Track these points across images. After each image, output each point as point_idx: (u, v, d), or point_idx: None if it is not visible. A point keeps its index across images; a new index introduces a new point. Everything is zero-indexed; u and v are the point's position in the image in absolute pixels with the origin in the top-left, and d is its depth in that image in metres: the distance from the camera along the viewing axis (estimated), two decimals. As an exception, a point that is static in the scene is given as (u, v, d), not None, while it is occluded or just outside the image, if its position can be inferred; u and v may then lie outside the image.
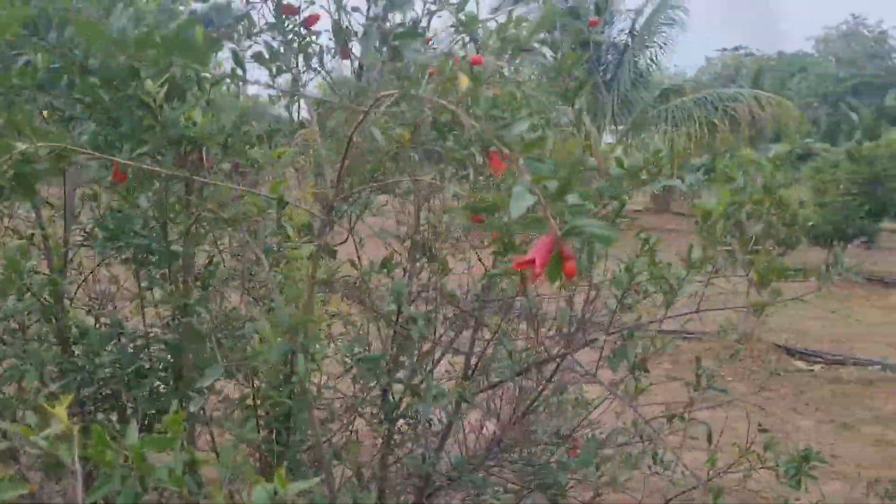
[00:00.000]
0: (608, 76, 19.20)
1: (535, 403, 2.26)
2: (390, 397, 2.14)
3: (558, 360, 2.11)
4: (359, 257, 2.37)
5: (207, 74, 1.80)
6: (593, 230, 0.94)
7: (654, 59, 20.24)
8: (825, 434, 6.33)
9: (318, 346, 1.77)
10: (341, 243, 2.41)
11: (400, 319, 2.03)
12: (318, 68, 2.34)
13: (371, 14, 2.23)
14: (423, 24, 2.21)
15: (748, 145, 16.40)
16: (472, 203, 1.59)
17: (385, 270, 2.37)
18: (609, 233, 0.94)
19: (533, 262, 0.95)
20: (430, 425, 2.38)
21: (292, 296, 1.81)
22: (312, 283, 1.70)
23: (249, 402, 1.98)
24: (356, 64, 2.45)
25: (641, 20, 19.71)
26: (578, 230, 0.95)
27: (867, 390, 7.90)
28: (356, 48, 2.37)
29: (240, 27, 2.22)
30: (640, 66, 19.74)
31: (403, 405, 2.15)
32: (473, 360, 2.32)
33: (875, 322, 10.61)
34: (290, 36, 2.21)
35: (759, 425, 2.68)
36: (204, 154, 1.84)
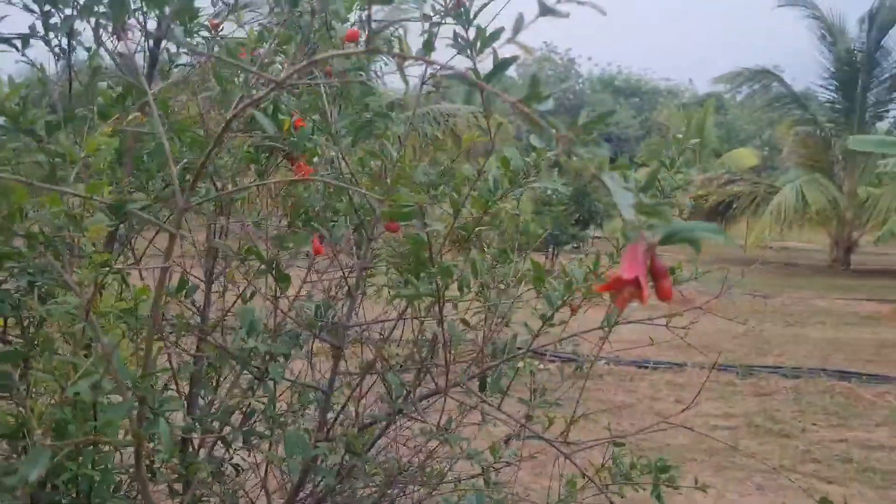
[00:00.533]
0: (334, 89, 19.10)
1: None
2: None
3: (443, 393, 1.79)
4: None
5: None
6: (704, 233, 0.67)
7: (380, 72, 20.56)
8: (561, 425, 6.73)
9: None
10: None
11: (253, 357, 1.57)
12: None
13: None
14: None
15: (467, 160, 17.25)
16: (389, 209, 1.24)
17: (182, 293, 1.90)
18: (722, 232, 0.67)
19: (627, 282, 0.66)
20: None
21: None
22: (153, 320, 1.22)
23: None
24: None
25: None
26: (683, 235, 0.67)
27: (598, 384, 8.61)
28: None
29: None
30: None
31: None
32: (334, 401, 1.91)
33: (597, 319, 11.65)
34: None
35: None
36: None
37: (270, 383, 1.65)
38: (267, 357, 1.56)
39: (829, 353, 10.51)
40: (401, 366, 1.90)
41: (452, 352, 1.66)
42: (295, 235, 1.70)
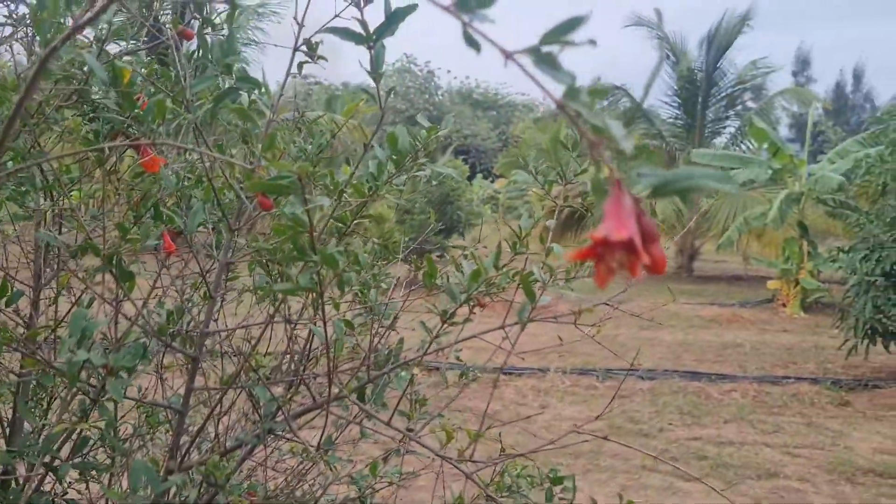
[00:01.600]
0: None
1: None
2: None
3: (324, 408, 1.52)
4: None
5: None
6: (705, 179, 0.50)
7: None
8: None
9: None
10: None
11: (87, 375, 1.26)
12: None
13: None
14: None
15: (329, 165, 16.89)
16: (258, 181, 0.99)
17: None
18: (729, 178, 0.50)
19: (617, 244, 0.48)
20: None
21: None
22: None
23: None
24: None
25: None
26: (681, 183, 0.50)
27: (464, 391, 8.57)
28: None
29: None
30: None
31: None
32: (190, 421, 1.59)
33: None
34: None
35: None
36: None
37: (110, 403, 1.36)
38: (105, 372, 1.27)
39: (679, 355, 11.00)
40: (269, 378, 1.64)
41: (335, 359, 1.43)
42: (141, 226, 1.42)
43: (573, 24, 0.54)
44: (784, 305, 15.13)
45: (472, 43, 0.58)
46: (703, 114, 22.23)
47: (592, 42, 0.53)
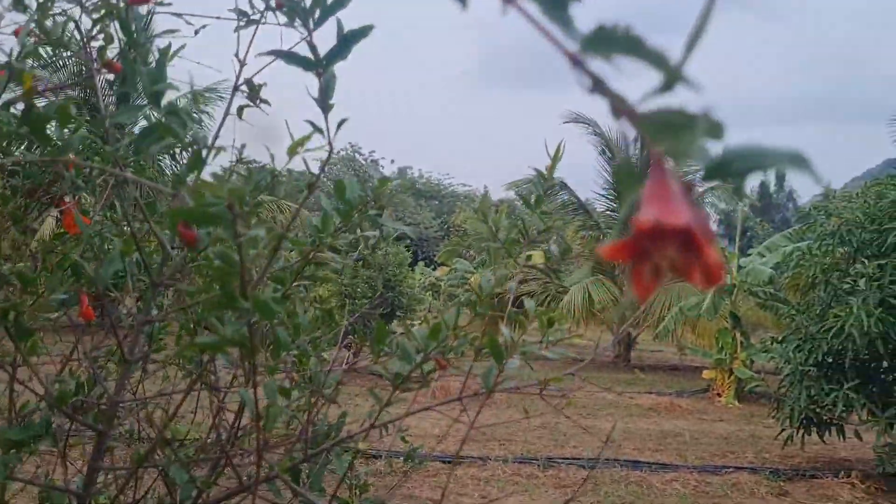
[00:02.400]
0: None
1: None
2: None
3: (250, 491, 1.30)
4: None
5: None
6: (779, 158, 0.38)
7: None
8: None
9: None
10: None
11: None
12: None
13: None
14: None
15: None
16: (176, 209, 0.83)
17: None
18: (802, 158, 0.38)
19: (670, 233, 0.34)
20: None
21: None
22: None
23: None
24: None
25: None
26: (749, 161, 0.37)
27: (403, 480, 8.22)
28: None
29: None
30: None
31: None
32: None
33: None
34: None
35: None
36: None
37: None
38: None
39: (619, 444, 10.84)
40: (190, 456, 1.43)
41: (266, 433, 1.23)
42: (49, 277, 1.23)
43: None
44: (719, 395, 15.23)
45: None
46: (763, 170, 22.85)
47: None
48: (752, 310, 16.58)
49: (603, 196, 23.76)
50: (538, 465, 9.14)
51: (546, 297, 20.69)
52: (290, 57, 1.01)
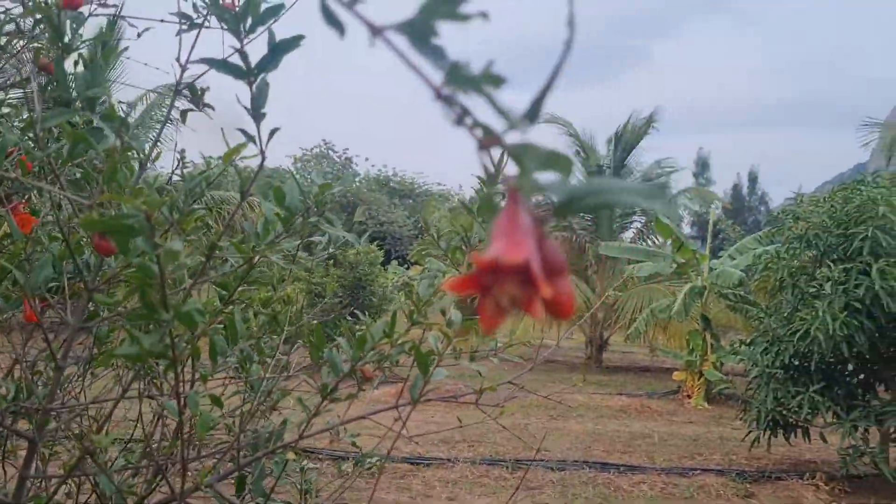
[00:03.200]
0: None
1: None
2: None
3: None
4: None
5: None
6: (629, 195, 0.38)
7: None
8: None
9: None
10: None
11: None
12: None
13: None
14: None
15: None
16: (90, 219, 0.82)
17: None
18: (662, 195, 0.38)
19: (509, 269, 0.35)
20: None
21: None
22: None
23: None
24: None
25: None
26: (598, 198, 0.37)
27: (369, 482, 8.20)
28: None
29: None
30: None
31: None
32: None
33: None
34: None
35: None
36: None
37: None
38: None
39: (589, 445, 10.89)
40: (133, 463, 1.42)
41: (197, 442, 1.22)
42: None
43: (461, -5, 0.42)
44: (689, 397, 15.36)
45: (332, 21, 0.45)
46: (612, 209, 23.00)
47: (484, 15, 0.41)
48: (723, 312, 16.73)
49: (577, 198, 23.91)
50: (506, 467, 9.16)
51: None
52: (220, 65, 1.00)
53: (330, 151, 54.30)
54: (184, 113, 1.42)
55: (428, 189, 58.89)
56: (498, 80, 0.39)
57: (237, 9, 1.16)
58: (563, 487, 8.57)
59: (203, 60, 1.00)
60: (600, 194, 0.38)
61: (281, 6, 1.04)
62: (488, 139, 0.41)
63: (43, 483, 1.41)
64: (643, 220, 23.48)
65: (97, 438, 1.20)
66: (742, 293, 16.11)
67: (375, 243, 19.64)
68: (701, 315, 15.77)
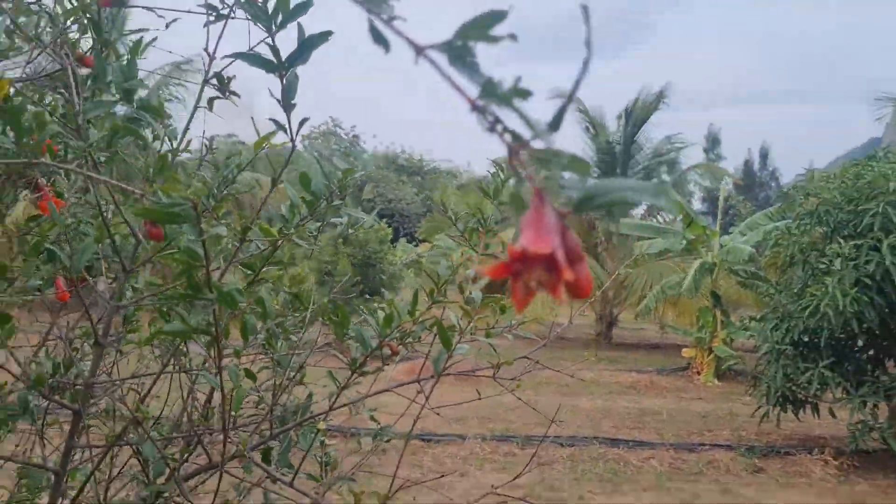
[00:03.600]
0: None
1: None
2: None
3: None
4: None
5: None
6: (638, 193, 0.44)
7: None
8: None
9: None
10: None
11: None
12: None
13: None
14: None
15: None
16: (146, 207, 0.89)
17: None
18: (666, 192, 0.45)
19: (537, 258, 0.41)
20: None
21: None
22: None
23: None
24: None
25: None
26: (611, 197, 0.44)
27: (381, 458, 8.34)
28: None
29: None
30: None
31: None
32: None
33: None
34: None
35: None
36: None
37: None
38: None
39: (599, 421, 11.01)
40: (164, 435, 1.50)
41: (234, 413, 1.30)
42: (25, 263, 1.28)
43: (493, 18, 0.48)
44: (699, 373, 15.43)
45: (379, 39, 0.51)
46: (622, 205, 22.95)
47: (513, 37, 0.47)
48: (734, 288, 16.75)
49: (587, 175, 23.85)
50: (517, 443, 9.28)
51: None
52: (251, 58, 1.06)
53: (338, 129, 54.27)
54: (211, 100, 1.48)
55: (436, 166, 58.84)
56: (525, 94, 0.45)
57: (265, 2, 1.22)
58: (573, 463, 8.68)
59: (235, 55, 1.06)
60: (612, 193, 0.44)
61: (310, 2, 1.10)
62: (517, 145, 0.47)
63: (84, 453, 1.49)
64: (653, 197, 23.40)
65: (143, 409, 1.28)
66: (752, 269, 16.11)
67: (384, 221, 19.72)
68: (711, 291, 15.80)
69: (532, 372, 1.93)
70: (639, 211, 23.97)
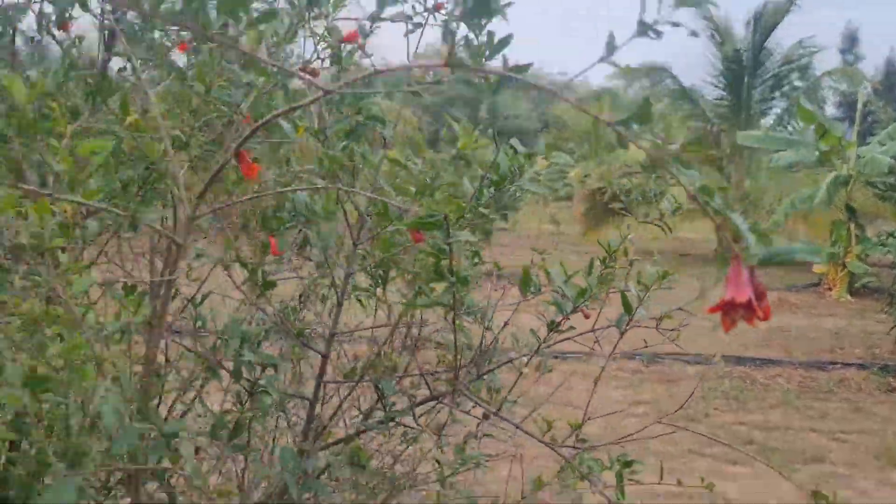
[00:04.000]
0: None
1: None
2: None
3: (442, 399, 1.77)
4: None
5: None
6: (803, 254, 0.71)
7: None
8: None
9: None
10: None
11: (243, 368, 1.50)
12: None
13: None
14: None
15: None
16: (414, 219, 1.22)
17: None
18: (819, 250, 0.71)
19: (739, 305, 0.69)
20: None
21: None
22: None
23: None
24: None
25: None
26: (783, 257, 0.71)
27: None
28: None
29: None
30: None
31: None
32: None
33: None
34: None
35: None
36: None
37: (262, 395, 1.60)
38: (258, 368, 1.52)
39: (725, 340, 11.06)
40: (395, 372, 1.87)
41: (461, 357, 1.67)
42: (280, 236, 1.65)
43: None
44: (830, 289, 14.99)
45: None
46: (749, 94, 21.96)
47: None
48: (870, 201, 15.98)
49: (710, 84, 22.89)
50: (642, 361, 9.52)
51: (648, 192, 20.45)
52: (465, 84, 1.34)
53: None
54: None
55: (552, 80, 57.68)
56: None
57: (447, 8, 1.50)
58: (699, 380, 8.86)
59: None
60: (784, 255, 0.70)
61: (510, 37, 1.36)
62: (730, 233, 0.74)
63: (327, 387, 1.90)
64: (784, 106, 22.31)
65: (391, 354, 1.65)
66: (892, 181, 15.31)
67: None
68: (845, 205, 15.14)
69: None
70: (768, 121, 22.90)
